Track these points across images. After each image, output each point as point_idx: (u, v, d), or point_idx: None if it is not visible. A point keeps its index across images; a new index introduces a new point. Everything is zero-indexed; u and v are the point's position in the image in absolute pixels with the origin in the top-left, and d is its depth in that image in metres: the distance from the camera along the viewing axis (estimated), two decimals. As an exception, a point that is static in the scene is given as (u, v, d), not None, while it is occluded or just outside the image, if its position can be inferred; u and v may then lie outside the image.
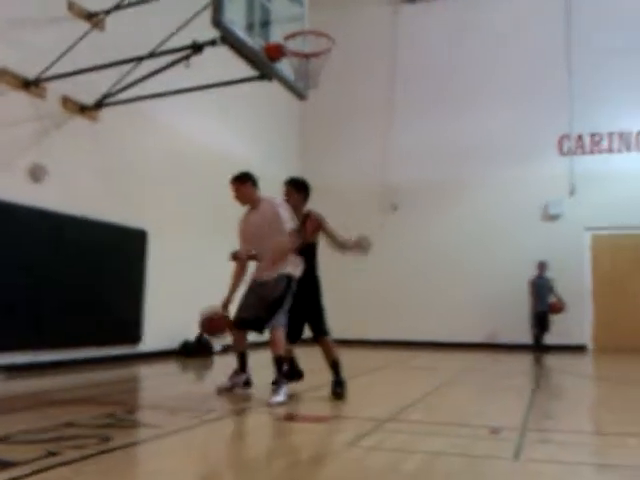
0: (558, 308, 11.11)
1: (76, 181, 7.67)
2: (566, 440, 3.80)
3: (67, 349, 7.44)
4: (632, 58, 12.43)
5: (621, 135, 12.56)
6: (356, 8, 14.23)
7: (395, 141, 13.86)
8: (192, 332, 9.57)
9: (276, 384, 4.90)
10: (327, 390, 5.18)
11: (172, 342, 9.34)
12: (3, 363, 6.49)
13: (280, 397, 4.79)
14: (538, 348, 11.00)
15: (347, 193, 13.55)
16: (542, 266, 11.43)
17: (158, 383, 6.81)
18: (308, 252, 5.38)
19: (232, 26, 5.79)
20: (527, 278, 11.46)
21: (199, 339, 9.51)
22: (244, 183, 5.52)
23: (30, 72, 6.93)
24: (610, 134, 12.62)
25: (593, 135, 12.74)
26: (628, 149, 12.51)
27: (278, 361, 5.02)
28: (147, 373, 7.65)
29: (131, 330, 8.53)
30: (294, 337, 5.34)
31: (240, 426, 4.20)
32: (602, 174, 12.40)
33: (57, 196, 7.32)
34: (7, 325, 6.54)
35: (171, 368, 8.12)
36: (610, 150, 12.61)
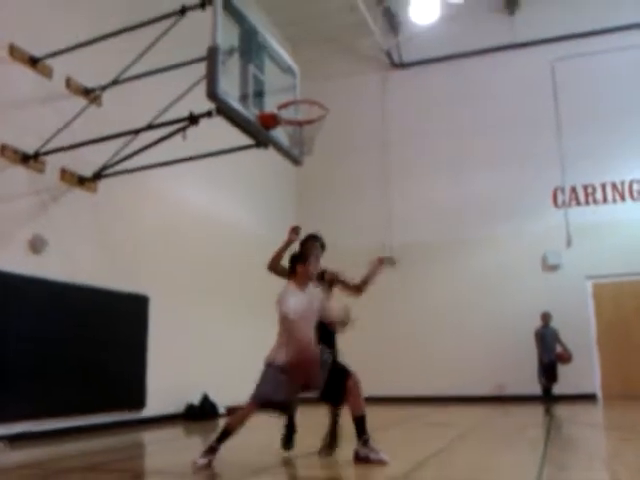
0: (565, 358, 11.02)
1: (76, 250, 7.75)
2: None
3: (70, 417, 7.39)
4: (617, 114, 12.82)
5: (614, 185, 12.77)
6: (346, 77, 14.63)
7: (392, 202, 14.03)
8: (196, 395, 9.54)
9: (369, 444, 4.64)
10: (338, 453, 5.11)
11: (176, 406, 9.29)
12: (5, 433, 6.41)
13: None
14: (547, 399, 10.87)
15: (345, 256, 13.46)
16: (546, 316, 11.40)
17: (163, 448, 6.71)
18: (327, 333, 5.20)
19: (227, 97, 5.94)
20: (532, 329, 11.41)
21: (203, 402, 9.47)
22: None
23: (29, 147, 7.09)
24: (603, 185, 12.83)
25: (586, 187, 12.94)
26: (622, 198, 12.70)
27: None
28: (152, 438, 7.55)
29: (135, 396, 8.48)
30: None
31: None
32: (598, 224, 12.55)
33: (58, 266, 7.39)
34: (9, 394, 6.52)
35: (176, 433, 8.03)
36: (604, 200, 12.78)
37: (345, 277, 5.47)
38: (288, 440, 5.37)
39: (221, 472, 4.52)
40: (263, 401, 4.74)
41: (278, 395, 4.73)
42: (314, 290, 5.11)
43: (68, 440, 6.84)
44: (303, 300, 4.92)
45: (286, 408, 4.94)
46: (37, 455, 5.98)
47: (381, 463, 4.49)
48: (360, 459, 4.59)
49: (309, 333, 4.90)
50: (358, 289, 5.50)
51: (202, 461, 4.54)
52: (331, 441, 5.21)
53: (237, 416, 4.78)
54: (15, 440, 6.43)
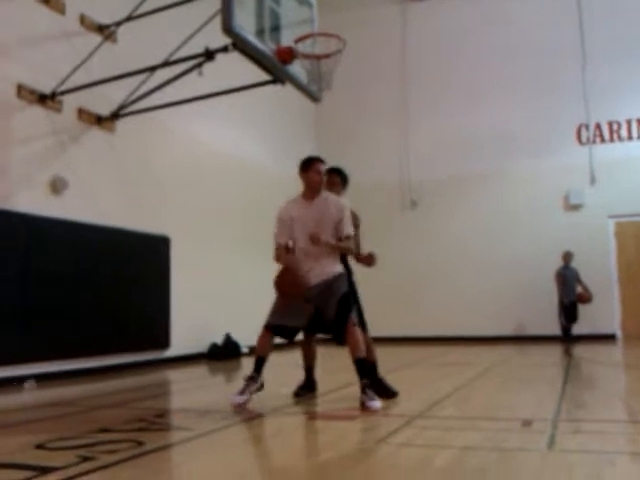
0: (586, 298, 11.01)
1: (96, 191, 7.75)
2: (600, 429, 3.75)
3: (96, 357, 7.54)
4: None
5: (639, 121, 12.41)
6: (364, 9, 14.21)
7: (411, 138, 13.81)
8: (219, 335, 9.69)
9: (365, 390, 4.51)
10: (351, 389, 5.16)
11: (200, 346, 9.43)
12: (33, 372, 6.57)
13: (378, 402, 4.43)
14: (567, 339, 10.91)
15: (364, 193, 13.41)
16: (567, 256, 11.34)
17: (187, 387, 6.85)
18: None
19: (243, 32, 5.81)
20: (552, 269, 11.38)
21: (227, 342, 9.62)
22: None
23: (45, 87, 7.02)
24: (628, 121, 12.49)
25: (611, 123, 12.61)
26: (646, 135, 12.36)
27: (361, 364, 4.64)
28: (176, 377, 7.70)
29: (159, 336, 8.61)
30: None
31: (270, 427, 4.19)
32: (622, 161, 12.28)
33: (78, 207, 7.41)
34: (35, 334, 6.64)
35: (200, 372, 8.18)
36: (630, 137, 12.47)
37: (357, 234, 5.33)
38: (302, 390, 5.26)
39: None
40: (270, 326, 4.85)
41: (283, 319, 4.80)
42: (332, 199, 5.00)
43: (94, 380, 6.99)
44: (300, 210, 4.96)
45: (292, 333, 4.93)
46: (66, 394, 6.11)
47: (370, 410, 4.34)
48: (361, 406, 4.46)
49: (303, 246, 4.87)
50: (352, 254, 5.30)
51: (240, 398, 4.56)
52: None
53: (257, 342, 4.89)
54: (42, 379, 6.58)
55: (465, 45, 13.59)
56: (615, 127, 12.60)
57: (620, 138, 12.55)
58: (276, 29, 6.44)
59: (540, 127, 12.86)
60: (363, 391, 4.51)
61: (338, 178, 5.37)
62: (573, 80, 12.78)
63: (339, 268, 4.92)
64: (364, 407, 4.41)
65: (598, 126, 12.70)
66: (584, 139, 12.76)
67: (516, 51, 13.22)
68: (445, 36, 13.77)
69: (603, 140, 12.65)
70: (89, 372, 7.33)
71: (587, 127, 12.73)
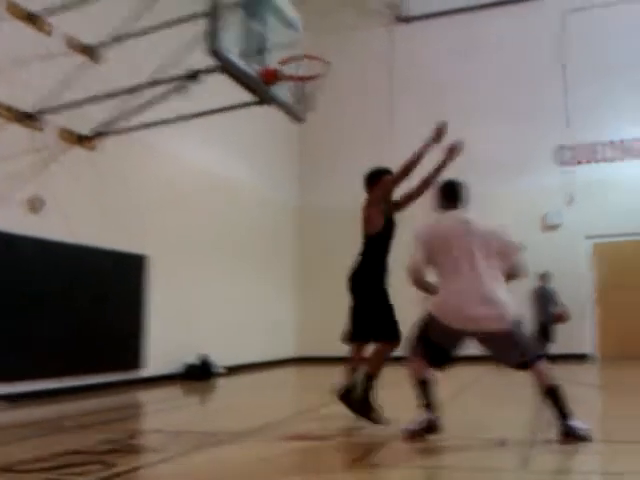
0: (563, 318, 11.13)
1: (75, 210, 7.73)
2: (574, 449, 3.81)
3: (69, 376, 7.45)
4: (622, 70, 12.63)
5: (616, 143, 12.65)
6: (351, 31, 14.36)
7: (396, 159, 13.81)
8: (195, 355, 9.66)
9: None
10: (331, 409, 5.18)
11: (176, 366, 9.38)
12: (5, 392, 6.50)
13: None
14: (544, 359, 10.99)
15: (346, 215, 13.53)
16: (544, 277, 11.47)
17: (161, 407, 6.82)
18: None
19: (228, 54, 5.88)
20: (530, 289, 11.48)
21: (203, 362, 9.58)
22: None
23: (28, 105, 7.02)
24: (605, 143, 12.71)
25: (589, 145, 12.82)
26: (624, 157, 12.58)
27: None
28: (150, 398, 7.67)
29: (134, 356, 8.55)
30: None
31: (245, 449, 4.19)
32: (599, 183, 12.47)
33: (56, 225, 7.38)
34: (8, 354, 6.56)
35: (175, 392, 8.15)
36: (606, 159, 12.69)
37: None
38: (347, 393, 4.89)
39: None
40: None
41: None
42: None
43: (67, 400, 6.91)
44: None
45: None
46: (36, 414, 6.05)
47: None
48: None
49: None
50: (420, 189, 5.28)
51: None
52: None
53: None
54: (13, 399, 6.50)
55: (450, 67, 13.78)
56: (594, 149, 12.81)
57: (597, 160, 12.76)
58: (261, 51, 6.52)
59: (520, 148, 13.04)
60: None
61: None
62: (553, 102, 12.99)
63: None
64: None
65: (576, 147, 12.91)
66: (563, 160, 12.96)
67: (498, 72, 13.43)
68: (430, 58, 13.94)
69: (581, 161, 12.86)
70: (61, 392, 7.22)
71: (566, 148, 12.94)
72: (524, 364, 4.31)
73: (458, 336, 4.28)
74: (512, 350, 4.26)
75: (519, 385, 8.17)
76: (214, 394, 8.30)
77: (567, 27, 13.04)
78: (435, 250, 4.42)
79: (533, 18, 13.40)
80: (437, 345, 4.31)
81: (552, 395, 4.23)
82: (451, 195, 4.97)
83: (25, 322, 6.83)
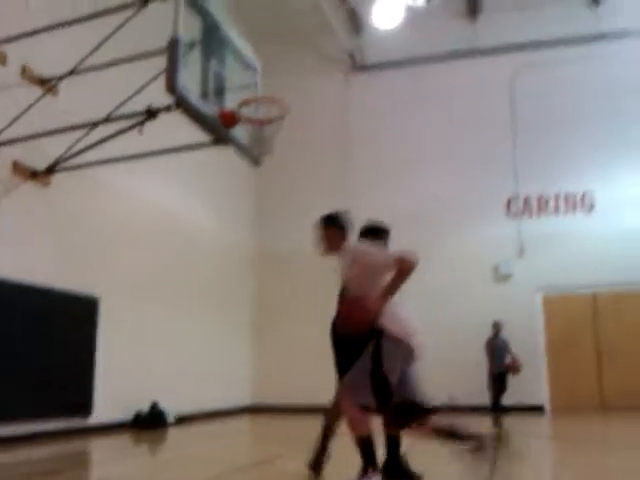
0: (515, 368, 11.15)
1: (26, 247, 7.50)
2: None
3: (13, 423, 7.09)
4: (572, 126, 13.07)
5: (566, 197, 12.98)
6: (308, 75, 14.56)
7: (348, 205, 13.93)
8: (145, 403, 9.33)
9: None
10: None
11: (125, 414, 9.02)
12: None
13: None
14: (496, 409, 10.97)
15: (301, 260, 13.51)
16: (497, 326, 11.52)
17: (108, 456, 6.53)
18: None
19: (186, 92, 5.82)
20: (482, 339, 11.51)
21: (153, 410, 9.25)
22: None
23: (-20, 137, 6.83)
24: (556, 195, 13.04)
25: (539, 197, 13.14)
26: (574, 210, 12.90)
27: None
28: (98, 446, 7.35)
29: (81, 401, 8.20)
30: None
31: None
32: (549, 236, 12.74)
33: (5, 263, 7.12)
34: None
35: (123, 441, 7.82)
36: (557, 211, 12.99)
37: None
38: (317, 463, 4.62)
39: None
40: None
41: None
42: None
43: (10, 447, 6.58)
44: None
45: None
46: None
47: None
48: None
49: None
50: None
51: None
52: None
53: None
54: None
55: (403, 116, 14.04)
56: (543, 201, 13.12)
57: (548, 212, 13.05)
58: (220, 91, 6.49)
59: (472, 199, 13.28)
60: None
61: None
62: (504, 154, 13.34)
63: None
64: None
65: (527, 200, 13.20)
66: (513, 212, 13.21)
67: (451, 124, 13.75)
68: (384, 107, 14.19)
69: (531, 213, 13.14)
70: (4, 440, 6.85)
71: (516, 200, 13.22)
72: None
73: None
74: None
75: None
76: (165, 443, 8.00)
77: (516, 82, 13.48)
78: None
79: (484, 72, 13.84)
80: (386, 379, 4.00)
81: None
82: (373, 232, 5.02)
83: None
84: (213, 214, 12.19)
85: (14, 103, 7.13)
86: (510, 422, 9.82)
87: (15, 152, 7.27)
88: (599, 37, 13.20)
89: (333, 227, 4.73)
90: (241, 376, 12.89)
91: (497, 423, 9.75)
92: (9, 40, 7.07)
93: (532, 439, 7.93)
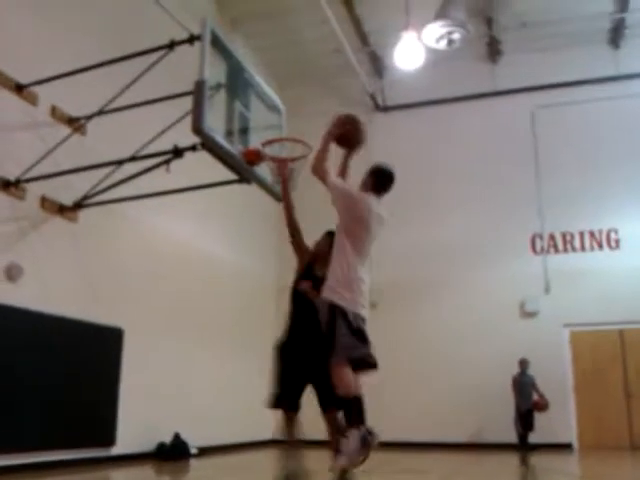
0: (542, 406, 10.97)
1: (52, 280, 7.62)
2: None
3: (38, 452, 7.14)
4: (595, 163, 13.08)
5: (592, 233, 12.91)
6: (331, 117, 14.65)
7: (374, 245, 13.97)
8: (168, 434, 9.34)
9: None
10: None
11: (147, 445, 9.04)
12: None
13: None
14: (523, 447, 10.78)
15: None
16: (523, 363, 11.38)
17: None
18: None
19: (212, 132, 5.95)
20: (509, 375, 11.37)
21: (175, 441, 9.26)
22: None
23: (10, 173, 7.01)
24: (581, 232, 12.97)
25: (564, 234, 13.07)
26: (599, 247, 12.82)
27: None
28: (121, 476, 7.37)
29: (105, 432, 8.23)
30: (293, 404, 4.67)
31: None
32: (575, 272, 12.64)
33: (32, 295, 7.24)
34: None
35: (146, 472, 7.82)
36: (582, 248, 12.91)
37: None
38: None
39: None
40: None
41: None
42: None
43: (35, 476, 6.62)
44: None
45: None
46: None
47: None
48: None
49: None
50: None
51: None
52: None
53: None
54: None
55: (427, 157, 14.12)
56: (568, 238, 13.05)
57: (573, 249, 12.97)
58: (245, 131, 6.61)
59: (497, 237, 13.27)
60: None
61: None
62: (528, 191, 13.33)
63: None
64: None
65: (552, 237, 13.14)
66: (538, 249, 13.14)
67: (474, 162, 13.80)
68: (407, 147, 14.23)
69: (557, 250, 13.06)
70: (31, 467, 6.93)
71: (541, 237, 13.15)
72: None
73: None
74: None
75: (499, 476, 7.98)
76: (188, 475, 7.98)
77: (538, 121, 13.55)
78: (356, 215, 4.74)
79: (506, 112, 13.91)
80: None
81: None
82: (383, 184, 5.20)
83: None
84: (236, 249, 12.28)
85: (44, 141, 7.33)
86: (537, 460, 9.64)
87: (44, 188, 7.44)
88: (620, 78, 13.24)
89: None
90: (263, 410, 12.76)
91: (524, 461, 9.57)
92: (40, 82, 7.30)
93: (559, 478, 7.77)
